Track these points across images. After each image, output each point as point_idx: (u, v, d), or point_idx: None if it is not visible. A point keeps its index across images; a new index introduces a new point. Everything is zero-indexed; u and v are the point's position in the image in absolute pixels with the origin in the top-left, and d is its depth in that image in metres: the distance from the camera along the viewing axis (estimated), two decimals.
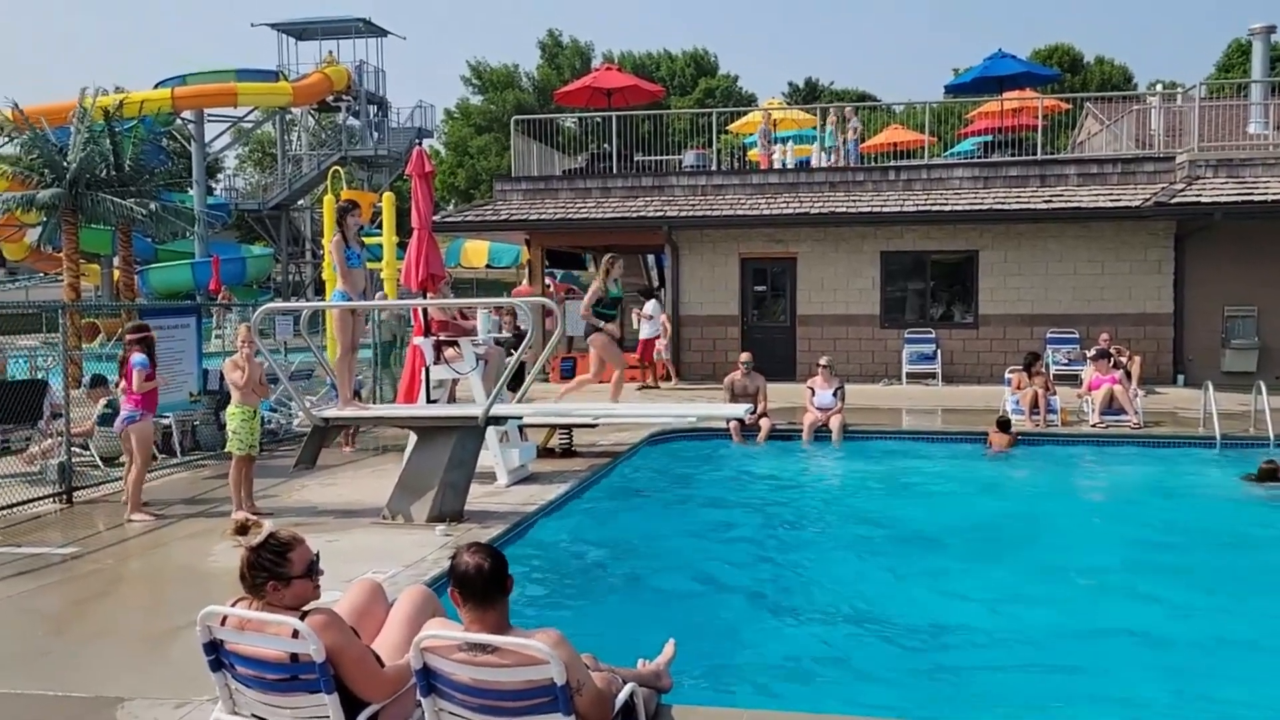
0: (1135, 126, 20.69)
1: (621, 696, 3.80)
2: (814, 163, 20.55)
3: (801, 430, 13.06)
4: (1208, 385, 12.65)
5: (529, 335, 8.47)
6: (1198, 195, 16.27)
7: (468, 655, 3.38)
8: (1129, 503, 10.14)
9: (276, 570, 3.62)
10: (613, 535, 8.52)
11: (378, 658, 3.74)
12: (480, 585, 3.41)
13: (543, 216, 19.64)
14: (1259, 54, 21.79)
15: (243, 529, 3.73)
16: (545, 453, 11.39)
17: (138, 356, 8.57)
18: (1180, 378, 17.47)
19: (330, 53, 40.15)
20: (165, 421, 11.23)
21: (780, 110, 25.54)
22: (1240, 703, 5.10)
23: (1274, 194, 16.04)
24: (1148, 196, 16.86)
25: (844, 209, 18.33)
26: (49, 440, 10.09)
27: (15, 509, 8.75)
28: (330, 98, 39.29)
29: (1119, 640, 6.02)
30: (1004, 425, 12.29)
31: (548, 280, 21.62)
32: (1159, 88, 24.60)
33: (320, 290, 31.97)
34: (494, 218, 20.10)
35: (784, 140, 22.01)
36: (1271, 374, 15.88)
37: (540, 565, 7.51)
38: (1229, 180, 16.66)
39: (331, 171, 34.32)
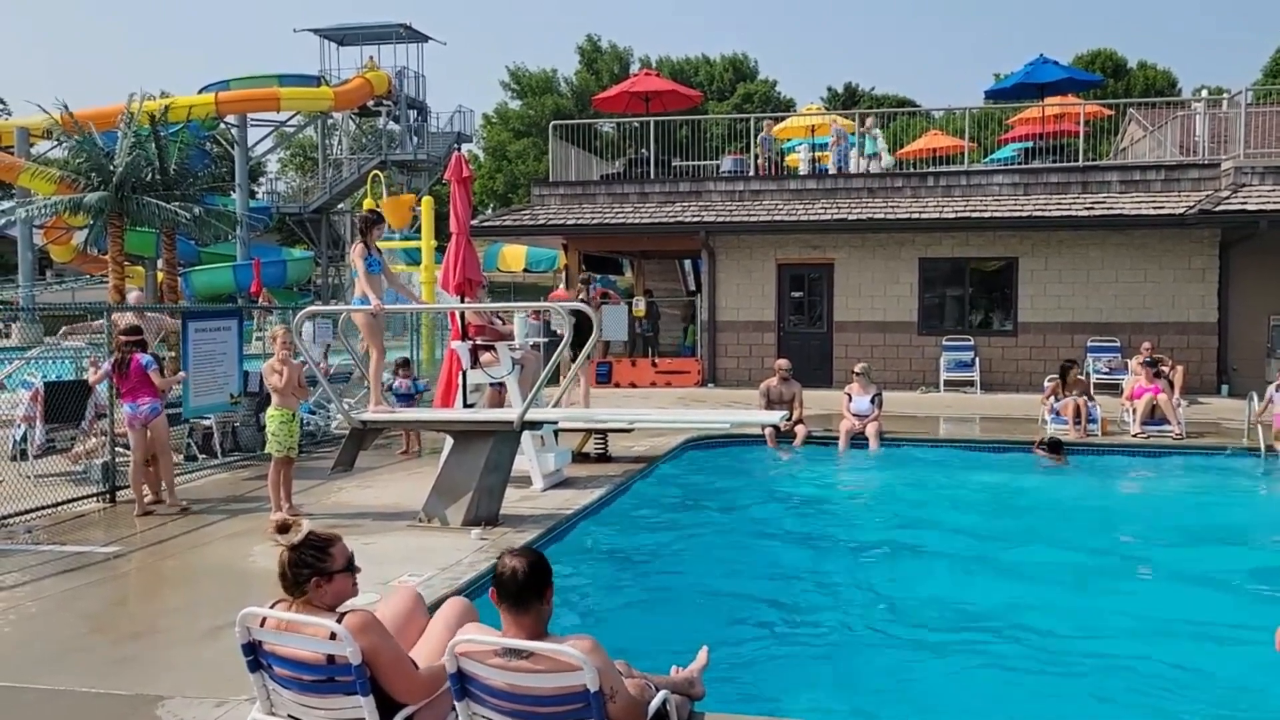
0: (1179, 133, 20.39)
1: (655, 704, 3.80)
2: (845, 168, 20.43)
3: (838, 437, 12.99)
4: (1252, 396, 12.43)
5: (564, 339, 8.49)
6: (1243, 203, 16.01)
7: (502, 660, 3.40)
8: (1173, 510, 9.97)
9: (319, 565, 3.67)
10: (647, 541, 8.52)
11: (413, 661, 3.77)
12: (516, 589, 3.43)
13: (580, 221, 19.71)
14: None
15: (283, 528, 3.78)
16: (580, 458, 11.42)
17: (146, 357, 8.81)
18: (1224, 388, 17.18)
19: (371, 58, 40.54)
20: (206, 423, 11.39)
21: (819, 117, 25.43)
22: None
23: None
24: (1192, 204, 16.62)
25: (882, 215, 18.24)
26: (93, 440, 10.26)
27: (60, 508, 8.92)
28: (371, 102, 39.68)
29: (1182, 649, 5.93)
30: (1055, 447, 12.09)
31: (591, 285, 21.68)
32: (1204, 93, 24.19)
33: None
34: (531, 222, 20.20)
35: (813, 147, 21.88)
36: None
37: (575, 570, 7.52)
38: (1276, 188, 16.38)
39: (371, 175, 34.75)
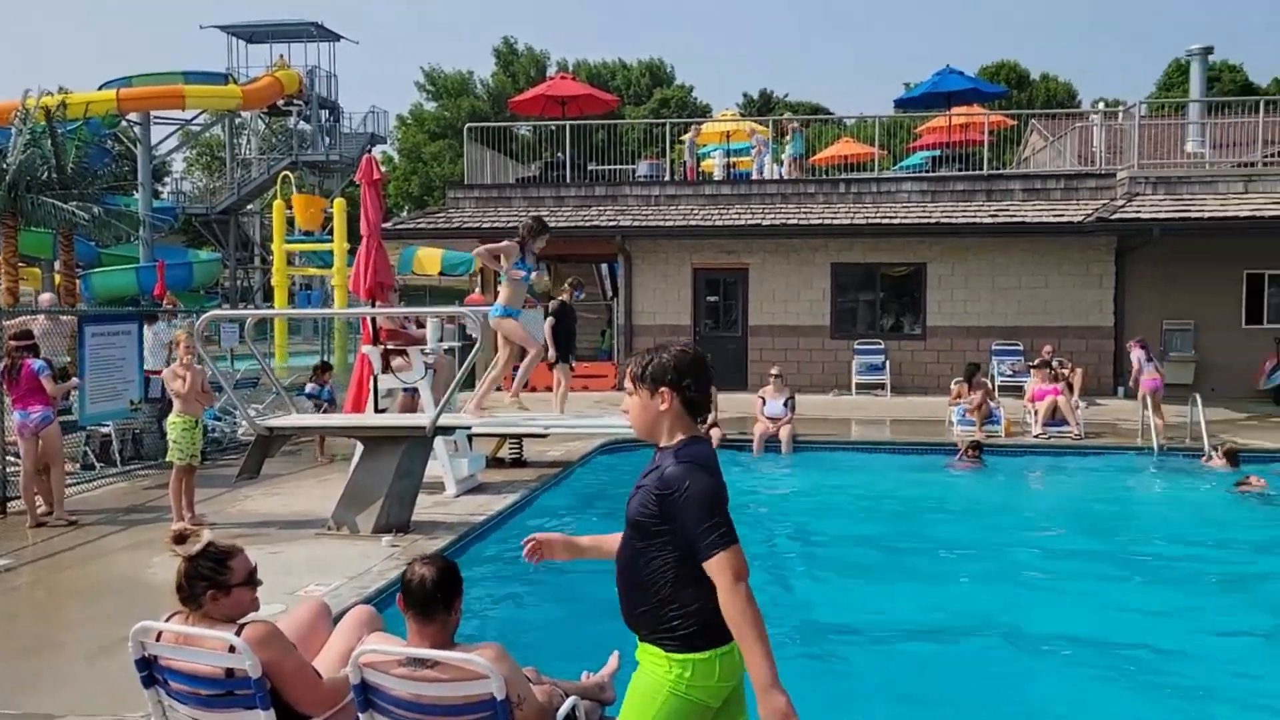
0: (1078, 143, 21.12)
1: (563, 710, 3.79)
2: (764, 174, 20.68)
3: (752, 440, 13.14)
4: (1145, 397, 12.94)
5: (476, 344, 8.42)
6: (1137, 211, 16.65)
7: (407, 670, 3.36)
8: (1075, 510, 10.32)
9: (216, 578, 3.57)
10: None
11: (317, 672, 3.70)
12: (423, 597, 3.39)
13: (496, 224, 19.57)
14: (1196, 74, 22.40)
15: (180, 538, 3.67)
16: (495, 463, 11.35)
17: (38, 362, 8.52)
18: (1120, 389, 17.82)
19: (281, 56, 39.68)
20: (105, 430, 11.02)
21: (730, 124, 25.68)
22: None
23: (1210, 211, 16.46)
24: (1089, 212, 17.22)
25: (795, 221, 18.50)
26: None
27: None
28: (281, 102, 38.79)
29: (1075, 645, 6.13)
30: (977, 447, 12.38)
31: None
32: (1101, 105, 25.11)
33: (269, 296, 31.59)
34: (447, 225, 20.02)
35: (728, 152, 22.10)
36: (1208, 386, 16.29)
37: (488, 576, 7.46)
38: (1167, 197, 17.07)
39: (281, 176, 34.08)
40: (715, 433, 13.16)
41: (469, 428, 9.67)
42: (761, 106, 57.50)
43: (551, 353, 12.44)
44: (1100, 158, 19.91)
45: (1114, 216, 16.63)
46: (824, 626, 6.56)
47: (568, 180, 20.54)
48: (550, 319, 12.66)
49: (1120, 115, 20.58)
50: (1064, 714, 5.28)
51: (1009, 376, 17.32)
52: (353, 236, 20.32)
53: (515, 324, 8.61)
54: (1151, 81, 55.04)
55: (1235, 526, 9.28)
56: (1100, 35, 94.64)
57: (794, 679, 5.61)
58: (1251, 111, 18.62)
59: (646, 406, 3.05)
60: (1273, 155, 18.18)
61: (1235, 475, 10.84)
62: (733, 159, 22.31)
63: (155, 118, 37.61)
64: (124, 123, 37.15)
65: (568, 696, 3.92)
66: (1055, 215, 17.67)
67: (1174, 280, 17.89)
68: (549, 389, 12.78)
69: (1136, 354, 13.72)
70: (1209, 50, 22.57)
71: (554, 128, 22.46)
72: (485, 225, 19.54)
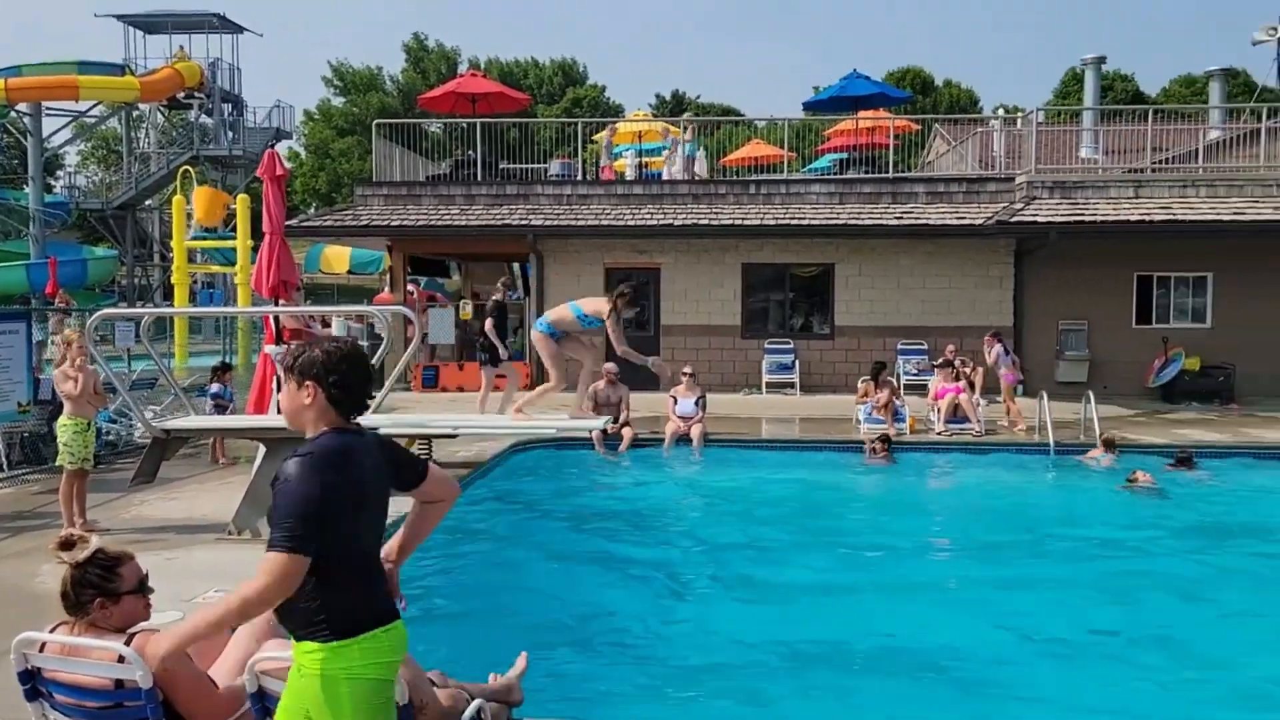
0: (979, 148, 21.72)
1: (468, 713, 3.76)
2: (666, 175, 20.79)
3: (663, 439, 13.21)
4: (1043, 395, 13.38)
5: (384, 343, 8.29)
6: (1035, 215, 17.18)
7: None
8: (971, 506, 10.61)
9: (105, 586, 3.45)
10: (469, 547, 8.42)
11: (213, 681, 3.60)
12: None
13: (405, 223, 19.31)
14: (1090, 83, 23.23)
15: (67, 544, 3.54)
16: None
17: None
18: (1020, 387, 18.36)
19: (181, 47, 38.51)
20: None
21: (643, 124, 25.77)
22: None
23: (1103, 215, 17.09)
24: (990, 215, 17.72)
25: (706, 221, 18.65)
26: None
27: None
28: (181, 94, 37.69)
29: (976, 639, 6.29)
30: (885, 441, 12.62)
31: (410, 287, 21.26)
32: (1001, 111, 25.87)
33: (169, 295, 30.63)
34: (354, 223, 19.65)
35: (639, 152, 22.17)
36: (1100, 384, 16.90)
37: None
38: (1063, 201, 17.66)
39: (182, 171, 33.07)
40: (627, 432, 13.22)
41: (375, 428, 9.49)
42: (674, 107, 57.83)
43: (504, 352, 13.51)
44: (1000, 162, 20.50)
45: (1013, 220, 17.14)
46: (727, 624, 6.62)
47: (479, 179, 20.35)
48: (490, 319, 13.34)
49: (1019, 121, 21.21)
50: (966, 704, 5.42)
51: (914, 375, 17.71)
52: (256, 233, 19.83)
53: (552, 346, 8.81)
54: (1049, 89, 56.98)
55: (1121, 522, 9.65)
56: (1003, 43, 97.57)
57: (700, 672, 5.67)
58: (1141, 120, 19.37)
59: (293, 398, 3.13)
60: (1161, 162, 18.94)
61: (1123, 470, 11.26)
62: (644, 159, 22.39)
63: (47, 109, 36.21)
64: (13, 114, 35.70)
65: (473, 700, 3.89)
66: (957, 218, 18.14)
67: (1069, 282, 18.51)
68: (460, 389, 12.68)
69: (995, 349, 14.37)
70: (1102, 60, 23.43)
71: (465, 125, 22.24)
72: (394, 223, 19.25)
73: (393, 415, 10.82)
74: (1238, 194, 17.57)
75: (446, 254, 23.32)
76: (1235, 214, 16.97)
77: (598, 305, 9.24)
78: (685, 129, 21.82)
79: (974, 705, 5.43)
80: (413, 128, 23.20)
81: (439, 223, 19.19)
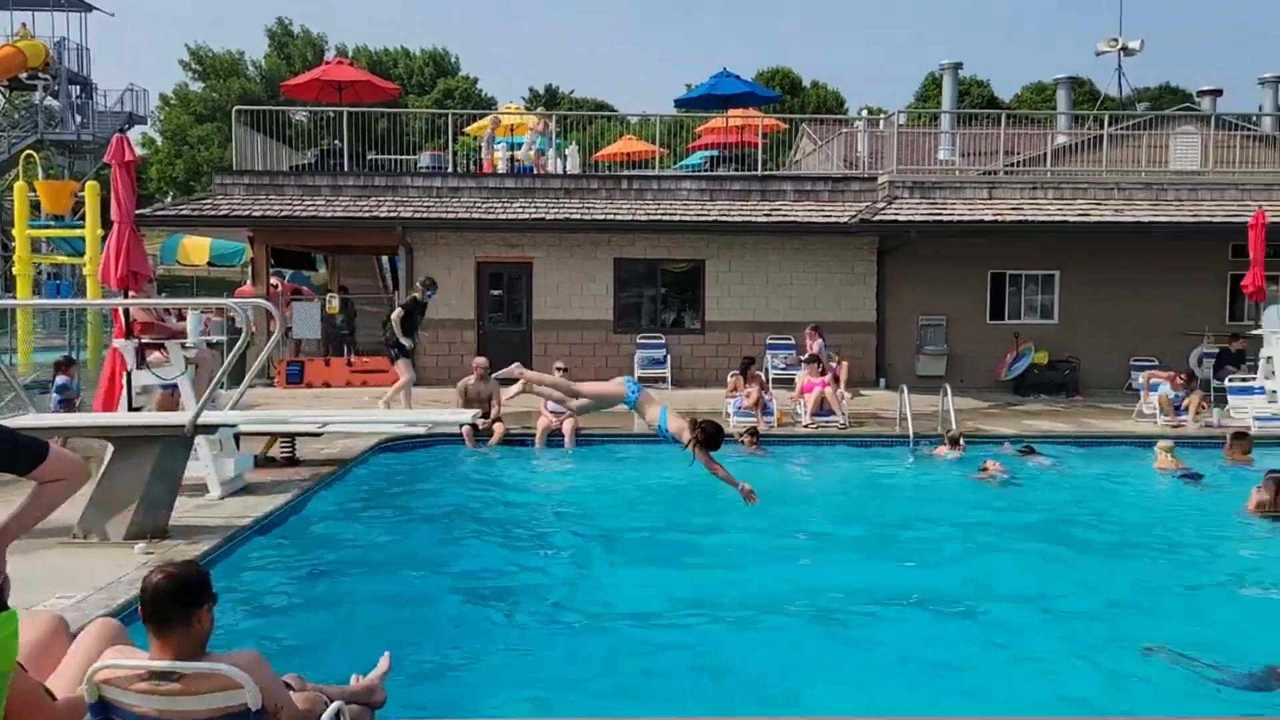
0: (844, 148, 22.34)
1: (325, 716, 3.66)
2: (536, 169, 20.72)
3: (535, 435, 13.15)
4: (903, 388, 13.86)
5: (242, 337, 8.00)
6: (896, 214, 17.78)
7: (149, 685, 3.15)
8: (834, 495, 10.90)
9: None
10: (333, 547, 8.21)
11: (51, 694, 3.41)
12: (156, 606, 3.19)
13: (267, 213, 18.69)
14: (948, 87, 24.17)
15: None
16: (266, 462, 10.82)
17: None
18: (882, 381, 19.00)
19: (24, 25, 36.35)
20: None
21: (516, 117, 25.59)
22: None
23: (959, 215, 17.82)
24: (854, 214, 18.25)
25: (578, 215, 18.64)
26: None
27: None
28: (24, 74, 35.56)
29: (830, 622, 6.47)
30: (754, 433, 12.86)
31: (274, 280, 20.59)
32: (865, 113, 26.67)
33: (9, 285, 28.90)
34: (213, 213, 18.91)
35: (511, 146, 22.01)
36: (957, 378, 17.61)
37: (253, 581, 7.12)
38: (922, 201, 18.33)
39: (25, 156, 31.19)
40: (498, 427, 13.11)
41: (234, 425, 9.19)
42: (547, 101, 57.60)
43: (409, 344, 14.28)
44: (864, 162, 21.15)
45: (875, 218, 17.70)
46: (598, 617, 6.64)
47: (345, 169, 19.86)
48: (400, 310, 14.12)
49: (882, 123, 21.91)
50: (801, 686, 5.57)
51: (781, 369, 18.10)
52: (107, 222, 18.90)
53: None
54: (911, 92, 59.01)
55: (973, 503, 10.12)
56: (867, 47, 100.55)
57: (570, 664, 5.67)
58: (995, 124, 20.26)
59: None
60: (1013, 164, 19.85)
61: (972, 460, 11.78)
62: (515, 153, 22.23)
63: None
64: None
65: (332, 702, 3.79)
66: (824, 215, 18.61)
67: (929, 279, 19.23)
68: (326, 384, 12.39)
69: (817, 342, 15.05)
70: (958, 65, 24.40)
71: (331, 114, 21.66)
72: (256, 214, 18.62)
73: (252, 412, 10.47)
74: (1082, 196, 18.56)
75: (312, 246, 22.69)
76: (1080, 215, 17.93)
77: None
78: (551, 122, 21.75)
79: (827, 673, 5.62)
80: (276, 115, 22.46)
81: (303, 214, 18.64)
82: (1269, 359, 15.37)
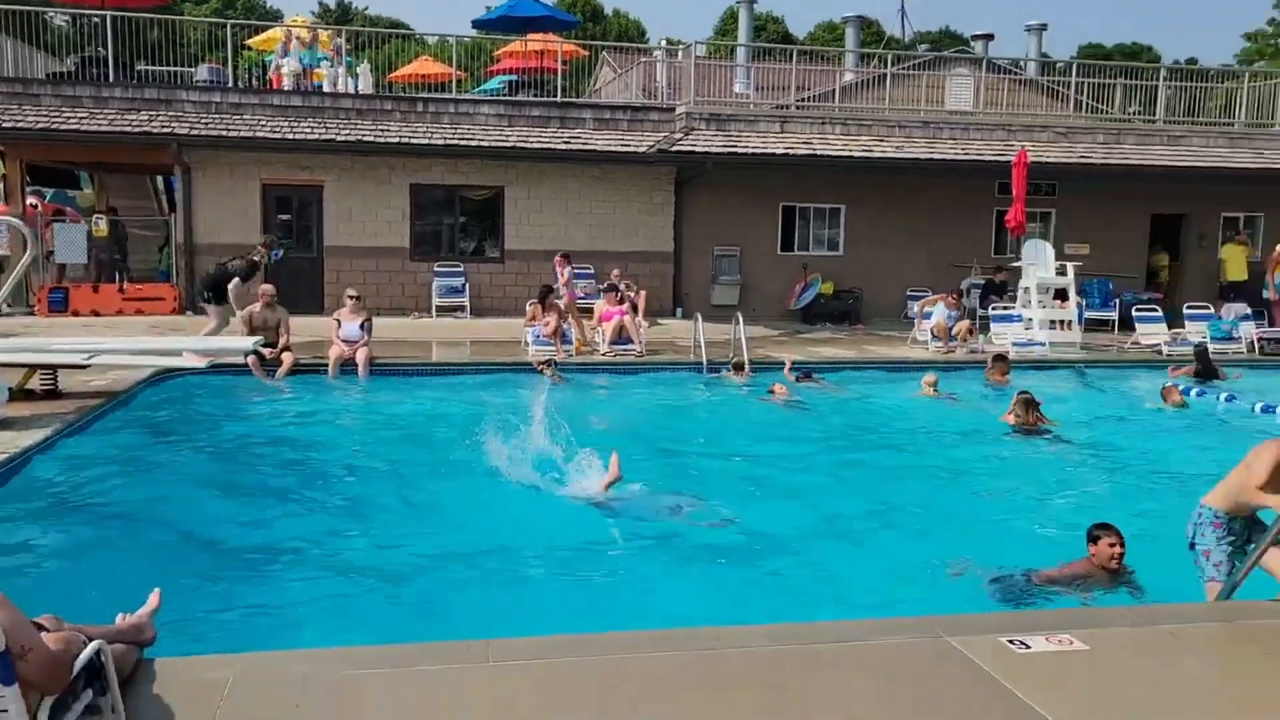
0: (644, 78, 22.39)
1: (84, 656, 3.46)
2: (326, 87, 19.78)
3: (328, 364, 12.73)
4: (698, 317, 14.23)
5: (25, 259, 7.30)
6: (693, 145, 18.04)
7: None
8: (632, 420, 11.12)
9: None
10: (99, 484, 7.72)
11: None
12: None
13: (20, 124, 17.02)
14: (744, 21, 24.61)
15: None
16: (24, 395, 10.00)
17: None
18: (679, 310, 19.42)
19: None
20: None
21: (304, 29, 24.19)
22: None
23: (753, 147, 18.27)
24: (652, 144, 18.39)
25: (371, 138, 17.94)
26: None
27: None
28: None
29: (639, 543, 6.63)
30: (549, 364, 12.87)
31: (32, 200, 18.84)
32: (664, 43, 26.77)
33: None
34: None
35: (301, 60, 20.85)
36: (750, 307, 18.21)
37: (7, 520, 6.62)
38: (719, 133, 18.66)
39: None
40: (286, 357, 12.61)
41: None
42: (339, 17, 54.83)
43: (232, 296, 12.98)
44: (663, 93, 21.28)
45: (673, 148, 17.90)
46: (390, 547, 6.56)
47: (111, 80, 18.28)
48: (237, 280, 12.92)
49: (680, 54, 22.05)
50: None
51: (582, 298, 18.16)
52: None
53: None
54: (710, 26, 59.66)
55: (762, 426, 10.60)
56: None
57: (355, 595, 5.58)
58: (787, 59, 20.78)
59: None
60: (804, 100, 20.46)
61: (761, 384, 12.32)
62: (317, 70, 21.07)
63: None
64: None
65: (91, 642, 3.58)
66: (622, 145, 18.65)
67: (724, 210, 19.67)
68: (95, 313, 11.51)
69: (567, 270, 16.25)
70: (754, 0, 24.82)
71: (95, 20, 19.83)
72: (6, 125, 16.93)
73: (7, 339, 9.63)
74: (867, 133, 19.38)
75: (75, 163, 20.89)
76: (865, 151, 18.74)
77: None
78: (341, 38, 20.73)
79: (612, 599, 5.79)
80: (30, 16, 20.33)
81: (63, 127, 17.09)
82: (1026, 289, 16.66)
